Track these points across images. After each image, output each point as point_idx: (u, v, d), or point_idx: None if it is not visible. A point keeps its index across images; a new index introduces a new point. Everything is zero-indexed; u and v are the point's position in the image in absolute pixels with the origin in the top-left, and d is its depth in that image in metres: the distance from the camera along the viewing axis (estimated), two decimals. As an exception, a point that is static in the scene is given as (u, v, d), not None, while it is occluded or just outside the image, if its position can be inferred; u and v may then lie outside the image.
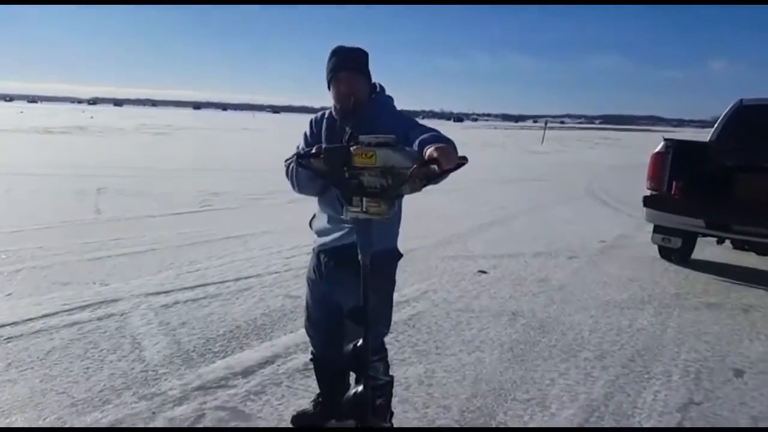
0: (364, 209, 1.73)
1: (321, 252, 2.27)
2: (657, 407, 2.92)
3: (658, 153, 5.59)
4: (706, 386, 3.21)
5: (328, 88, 2.21)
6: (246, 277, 4.90)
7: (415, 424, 2.66)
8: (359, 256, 1.85)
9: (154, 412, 2.66)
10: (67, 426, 2.53)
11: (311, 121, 2.31)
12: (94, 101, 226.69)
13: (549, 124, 39.66)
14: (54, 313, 3.87)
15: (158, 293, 4.37)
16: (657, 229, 5.88)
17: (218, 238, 6.42)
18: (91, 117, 50.29)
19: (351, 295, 2.01)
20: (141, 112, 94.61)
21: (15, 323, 3.67)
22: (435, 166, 1.62)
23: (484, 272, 5.46)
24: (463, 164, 1.73)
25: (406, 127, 2.01)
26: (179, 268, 5.09)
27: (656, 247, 6.11)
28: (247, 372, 3.11)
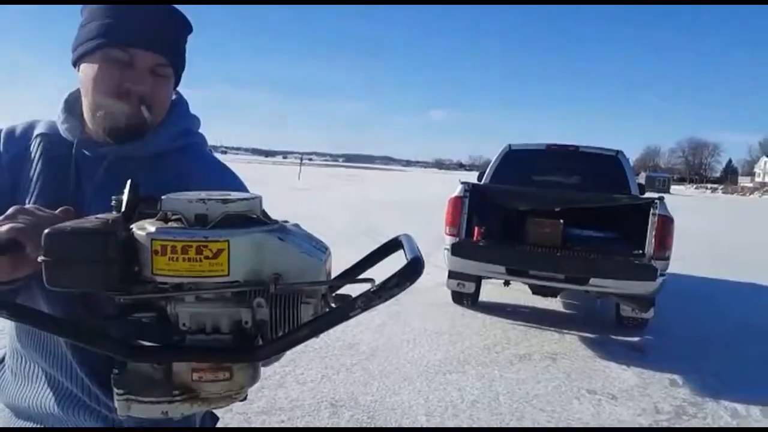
0: (179, 394, 0.58)
1: None
2: None
3: (457, 197, 5.23)
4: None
5: (77, 62, 0.95)
6: None
7: None
8: None
9: None
10: None
11: (2, 136, 0.98)
12: None
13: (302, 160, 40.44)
14: None
15: None
16: (452, 275, 5.62)
17: None
18: None
19: None
20: None
21: None
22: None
23: (281, 343, 4.41)
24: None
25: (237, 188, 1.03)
26: None
27: (439, 289, 5.98)
28: None
